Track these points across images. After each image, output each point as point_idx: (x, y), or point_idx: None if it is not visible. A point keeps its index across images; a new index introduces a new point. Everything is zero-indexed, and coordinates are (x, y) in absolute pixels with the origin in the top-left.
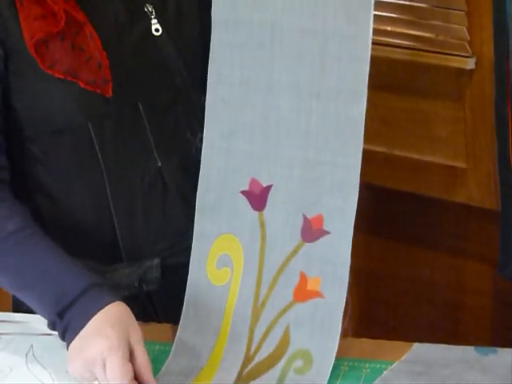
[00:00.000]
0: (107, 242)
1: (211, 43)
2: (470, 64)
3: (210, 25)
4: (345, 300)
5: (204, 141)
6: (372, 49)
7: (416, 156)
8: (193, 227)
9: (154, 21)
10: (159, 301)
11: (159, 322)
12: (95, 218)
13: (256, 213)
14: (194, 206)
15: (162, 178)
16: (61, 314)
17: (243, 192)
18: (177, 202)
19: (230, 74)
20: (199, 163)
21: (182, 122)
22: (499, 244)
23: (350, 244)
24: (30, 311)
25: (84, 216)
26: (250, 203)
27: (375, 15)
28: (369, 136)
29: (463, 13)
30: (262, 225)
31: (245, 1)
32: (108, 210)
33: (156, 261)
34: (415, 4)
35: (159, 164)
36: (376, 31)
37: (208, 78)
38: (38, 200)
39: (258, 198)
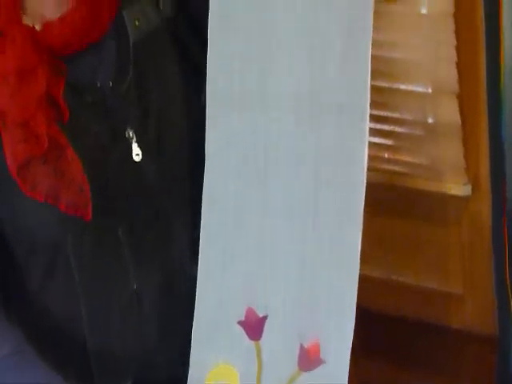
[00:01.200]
0: (79, 363)
1: (205, 168)
2: (466, 190)
3: (199, 137)
4: None
5: (200, 267)
6: (369, 175)
7: (413, 281)
8: (167, 344)
9: (134, 145)
10: None
11: None
12: (68, 338)
13: (252, 342)
14: (170, 325)
15: (139, 299)
16: None
17: (240, 322)
18: (153, 322)
19: (224, 196)
20: (178, 283)
21: (160, 243)
22: (496, 372)
23: (347, 372)
24: None
25: (56, 335)
26: (247, 333)
27: (371, 142)
28: (365, 261)
29: (459, 140)
30: (259, 354)
31: (238, 130)
32: (81, 330)
33: (129, 383)
34: (412, 132)
35: (135, 286)
36: (373, 158)
37: (203, 202)
38: (15, 312)
39: (254, 328)
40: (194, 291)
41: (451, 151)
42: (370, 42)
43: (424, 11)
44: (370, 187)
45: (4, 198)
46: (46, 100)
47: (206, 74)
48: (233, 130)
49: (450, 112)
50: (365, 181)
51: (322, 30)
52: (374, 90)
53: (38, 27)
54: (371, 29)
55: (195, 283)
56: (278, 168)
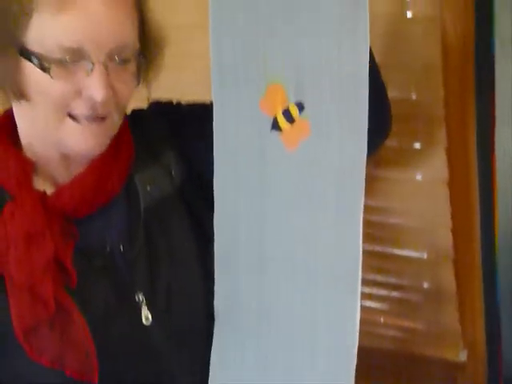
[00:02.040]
0: None
1: (215, 327)
2: (461, 356)
3: (209, 295)
4: None
5: None
6: (364, 339)
7: None
8: None
9: (144, 308)
10: None
11: None
12: None
13: None
14: None
15: None
16: None
17: None
18: None
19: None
20: None
21: None
22: None
23: None
24: None
25: None
26: None
27: (366, 306)
28: None
29: (455, 305)
30: None
31: (243, 290)
32: None
33: None
34: (407, 296)
35: None
36: (368, 322)
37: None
38: None
39: None
40: None
41: (447, 316)
42: (362, 207)
43: (419, 178)
44: (365, 352)
45: (8, 361)
46: (53, 264)
47: (208, 227)
48: (239, 289)
49: (445, 277)
50: (356, 345)
51: (316, 192)
52: (370, 254)
53: (49, 191)
54: (363, 195)
55: None
56: (277, 334)
